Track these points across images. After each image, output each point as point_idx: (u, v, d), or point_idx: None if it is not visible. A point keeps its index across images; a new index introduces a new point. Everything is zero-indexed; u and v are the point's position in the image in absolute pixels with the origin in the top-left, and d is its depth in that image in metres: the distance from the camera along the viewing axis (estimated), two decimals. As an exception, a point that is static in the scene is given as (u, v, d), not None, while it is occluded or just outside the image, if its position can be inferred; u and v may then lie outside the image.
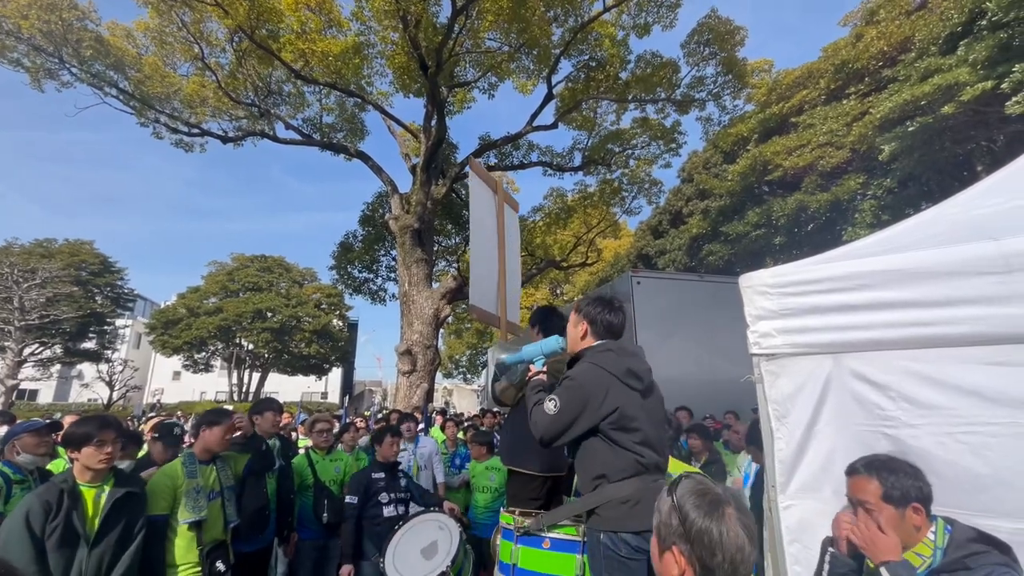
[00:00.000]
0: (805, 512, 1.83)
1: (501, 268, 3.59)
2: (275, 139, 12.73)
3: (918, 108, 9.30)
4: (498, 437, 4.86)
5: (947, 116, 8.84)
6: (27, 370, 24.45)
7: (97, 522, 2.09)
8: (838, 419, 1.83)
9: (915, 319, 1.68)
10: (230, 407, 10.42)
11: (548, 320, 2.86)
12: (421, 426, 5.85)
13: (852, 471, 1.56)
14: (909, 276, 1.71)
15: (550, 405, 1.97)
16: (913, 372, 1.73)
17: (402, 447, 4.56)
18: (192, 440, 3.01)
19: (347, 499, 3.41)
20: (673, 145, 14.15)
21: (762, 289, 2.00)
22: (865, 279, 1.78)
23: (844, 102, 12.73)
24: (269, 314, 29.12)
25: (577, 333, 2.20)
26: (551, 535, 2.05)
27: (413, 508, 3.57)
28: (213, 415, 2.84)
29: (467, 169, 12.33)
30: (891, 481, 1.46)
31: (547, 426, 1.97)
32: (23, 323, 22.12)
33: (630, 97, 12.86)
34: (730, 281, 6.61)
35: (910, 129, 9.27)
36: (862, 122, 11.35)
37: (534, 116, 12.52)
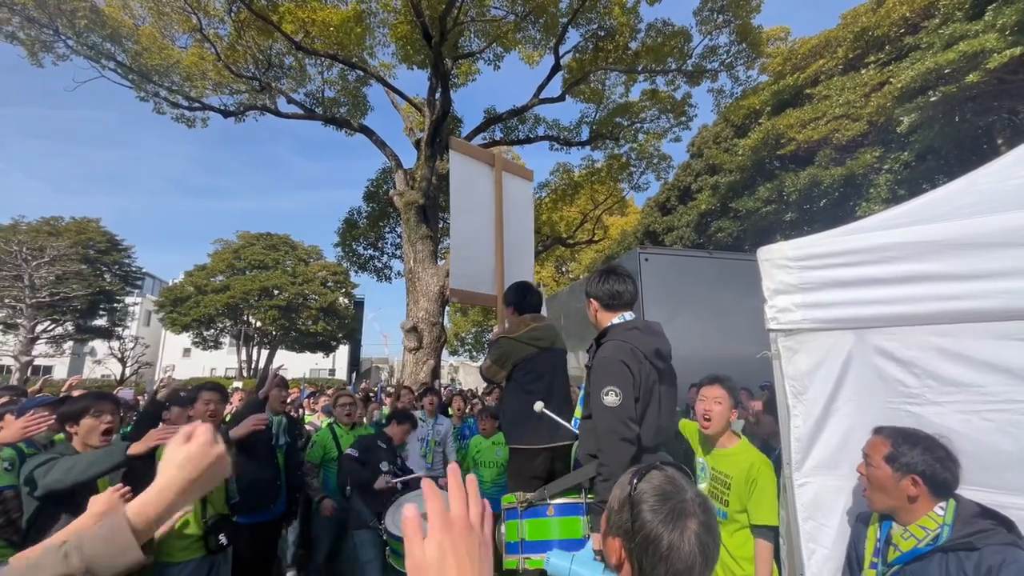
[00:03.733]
0: (820, 489, 1.80)
1: (499, 245, 3.49)
2: (277, 113, 12.49)
3: (941, 77, 8.94)
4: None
5: (971, 85, 8.49)
6: (40, 347, 24.87)
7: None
8: (859, 396, 1.78)
9: (948, 293, 1.60)
10: (238, 384, 10.54)
11: (524, 299, 2.83)
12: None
13: (877, 431, 1.61)
14: (942, 248, 1.62)
15: (612, 397, 1.86)
16: (940, 348, 1.66)
17: (421, 418, 4.61)
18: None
19: (348, 450, 3.52)
20: (683, 118, 13.75)
21: (782, 262, 1.92)
22: (893, 251, 1.70)
23: (863, 72, 12.27)
24: (276, 292, 29.28)
25: (593, 314, 2.22)
26: (554, 503, 2.09)
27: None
28: (191, 392, 2.88)
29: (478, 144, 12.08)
30: (902, 449, 1.49)
31: (622, 418, 1.85)
32: (34, 300, 22.38)
33: (640, 68, 12.44)
34: (740, 257, 6.53)
35: (932, 99, 8.94)
36: (881, 92, 10.95)
37: (541, 88, 12.17)
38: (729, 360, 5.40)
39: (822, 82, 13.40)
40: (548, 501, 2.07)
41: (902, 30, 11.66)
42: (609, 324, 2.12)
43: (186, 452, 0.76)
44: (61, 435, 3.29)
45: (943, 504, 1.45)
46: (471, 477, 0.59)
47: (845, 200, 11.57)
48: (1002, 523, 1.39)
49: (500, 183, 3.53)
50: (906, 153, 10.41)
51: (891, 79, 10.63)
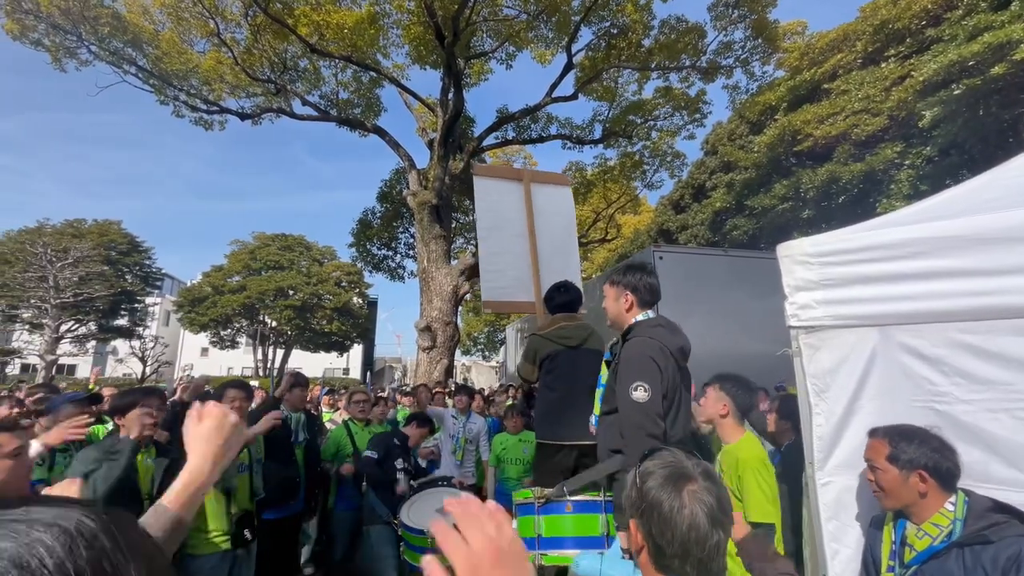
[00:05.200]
0: (843, 489, 1.77)
1: (533, 252, 3.57)
2: (292, 115, 12.68)
3: (964, 70, 8.71)
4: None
5: (996, 77, 8.26)
6: (64, 346, 25.58)
7: (152, 486, 2.26)
8: (883, 394, 1.74)
9: (974, 288, 1.57)
10: (255, 383, 10.71)
11: (553, 299, 2.93)
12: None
13: (872, 434, 1.61)
14: (968, 243, 1.59)
15: (640, 393, 1.85)
16: (968, 345, 1.63)
17: (453, 415, 4.63)
18: None
19: (367, 453, 3.53)
20: (697, 115, 13.62)
21: (802, 259, 1.89)
22: (917, 246, 1.67)
23: (883, 65, 12.00)
24: (291, 292, 29.69)
25: (621, 306, 2.15)
26: (573, 499, 2.05)
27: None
28: (217, 390, 2.97)
29: (488, 142, 12.08)
30: (902, 446, 1.50)
31: (650, 414, 1.84)
32: (58, 301, 23.01)
33: (653, 65, 12.35)
34: (756, 256, 6.43)
35: (955, 93, 8.71)
36: (902, 86, 10.71)
37: (553, 87, 12.14)
38: (744, 359, 5.33)
39: (840, 77, 13.14)
40: (567, 497, 2.04)
41: (924, 22, 11.38)
42: (634, 321, 2.09)
43: (207, 426, 0.84)
44: (98, 427, 3.42)
45: (953, 499, 1.45)
46: (491, 503, 0.57)
47: (865, 197, 11.34)
48: (1015, 516, 1.38)
49: (529, 194, 3.61)
50: (928, 148, 10.17)
51: (912, 72, 10.39)
